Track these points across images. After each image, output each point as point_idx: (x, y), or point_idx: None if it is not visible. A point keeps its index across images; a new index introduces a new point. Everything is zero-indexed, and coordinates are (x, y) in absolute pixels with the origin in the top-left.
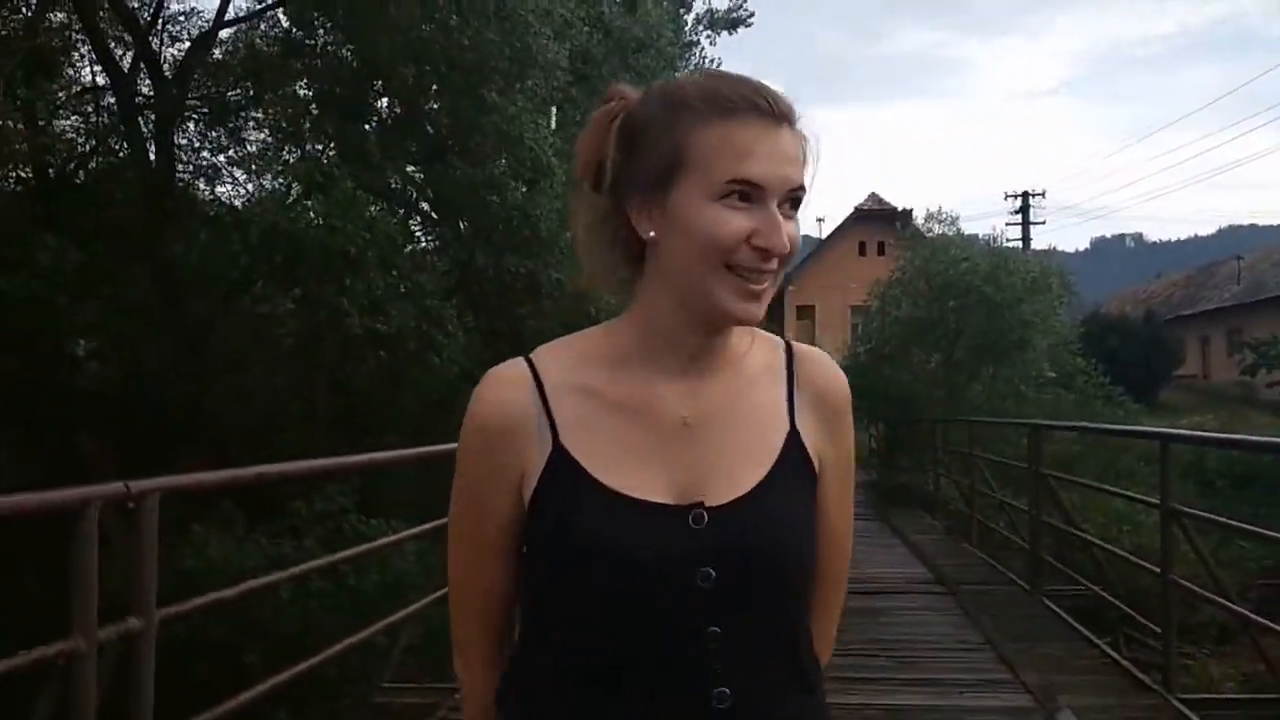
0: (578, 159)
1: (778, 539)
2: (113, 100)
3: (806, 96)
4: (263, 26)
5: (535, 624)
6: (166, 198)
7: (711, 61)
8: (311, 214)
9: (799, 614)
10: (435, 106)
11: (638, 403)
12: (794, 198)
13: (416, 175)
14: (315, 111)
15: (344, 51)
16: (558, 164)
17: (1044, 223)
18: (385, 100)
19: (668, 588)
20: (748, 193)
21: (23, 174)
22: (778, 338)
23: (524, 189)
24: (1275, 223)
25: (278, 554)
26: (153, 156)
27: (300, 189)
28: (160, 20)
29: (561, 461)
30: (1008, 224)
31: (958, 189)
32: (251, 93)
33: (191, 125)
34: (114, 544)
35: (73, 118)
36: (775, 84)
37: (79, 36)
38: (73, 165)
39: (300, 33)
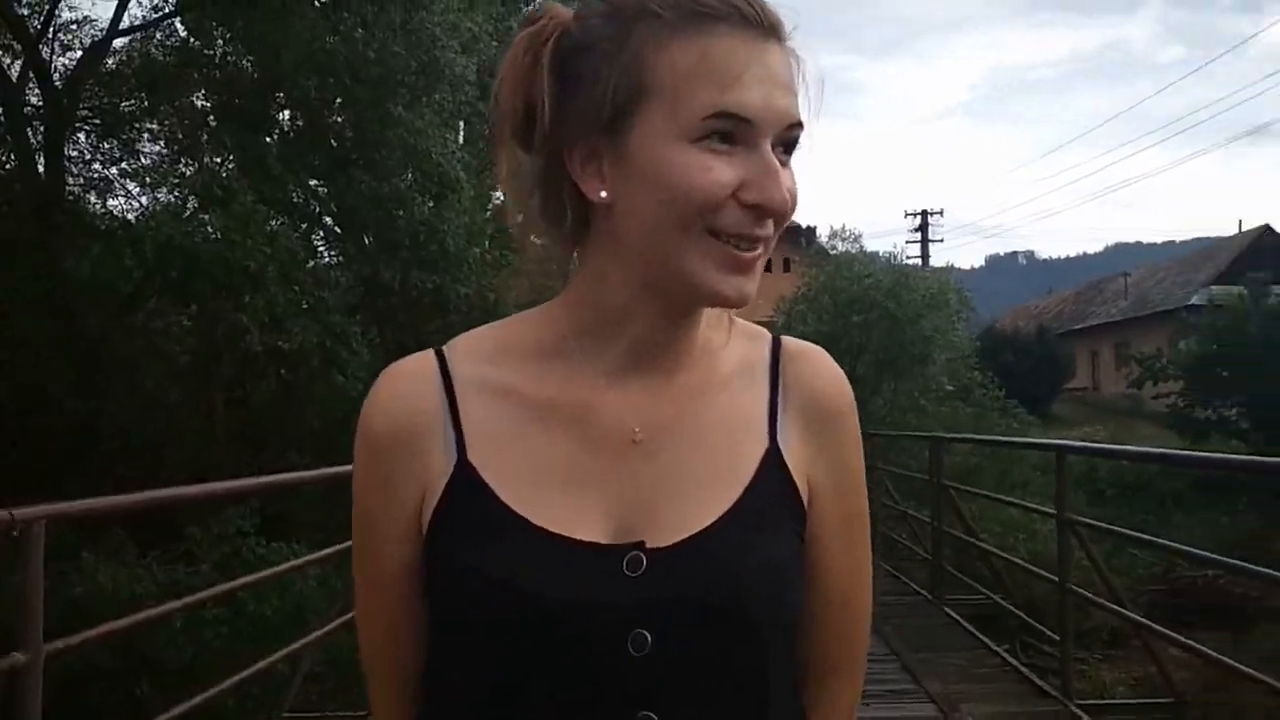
0: (498, 104)
1: (741, 591)
2: None
3: None
4: (159, 36)
5: (437, 680)
6: (56, 211)
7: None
8: (209, 228)
9: (775, 697)
10: (339, 119)
11: (573, 409)
12: (790, 138)
13: (320, 189)
14: (213, 123)
15: (244, 62)
16: (465, 178)
17: (942, 241)
18: (287, 112)
19: (590, 655)
20: (733, 131)
21: None
22: (763, 330)
23: (431, 203)
24: (1160, 240)
25: (171, 580)
26: (41, 168)
27: (197, 202)
28: (51, 28)
29: (465, 482)
30: (907, 241)
31: (860, 207)
32: (146, 103)
33: (83, 136)
34: None
35: None
36: None
37: None
38: None
39: (198, 42)
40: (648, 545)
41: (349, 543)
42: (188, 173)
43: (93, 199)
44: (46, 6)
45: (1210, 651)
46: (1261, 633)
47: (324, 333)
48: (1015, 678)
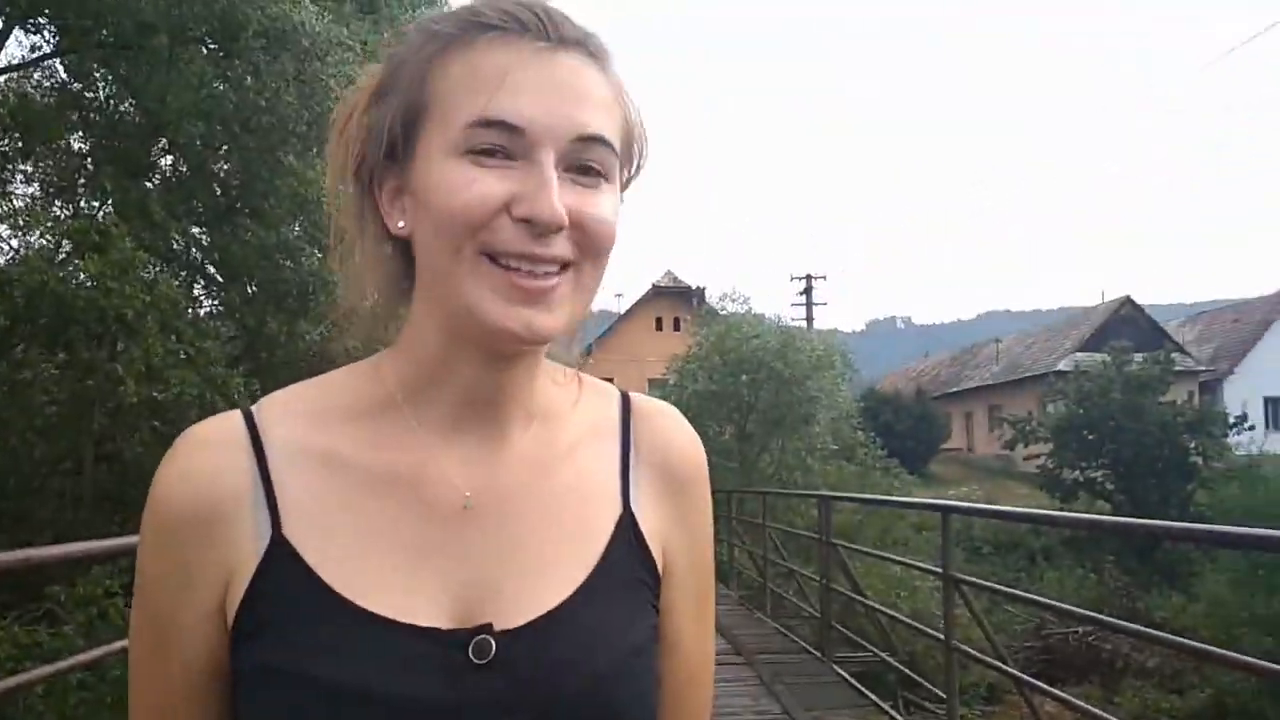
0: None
1: (601, 676)
2: None
3: None
4: (37, 75)
5: None
6: None
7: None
8: (83, 274)
9: None
10: (224, 167)
11: (403, 475)
12: (585, 158)
13: (202, 237)
14: (91, 166)
15: (125, 105)
16: None
17: (826, 304)
18: (169, 158)
19: None
20: (503, 144)
21: None
22: (611, 387)
23: (320, 255)
24: (1028, 309)
25: (34, 642)
26: None
27: (70, 246)
28: None
29: (280, 561)
30: (793, 304)
31: (748, 269)
32: (20, 144)
33: None
34: None
35: None
36: None
37: None
38: None
39: (78, 84)
40: (495, 628)
41: None
42: (62, 216)
43: None
44: None
45: (1092, 708)
46: (1129, 688)
47: (204, 384)
48: None
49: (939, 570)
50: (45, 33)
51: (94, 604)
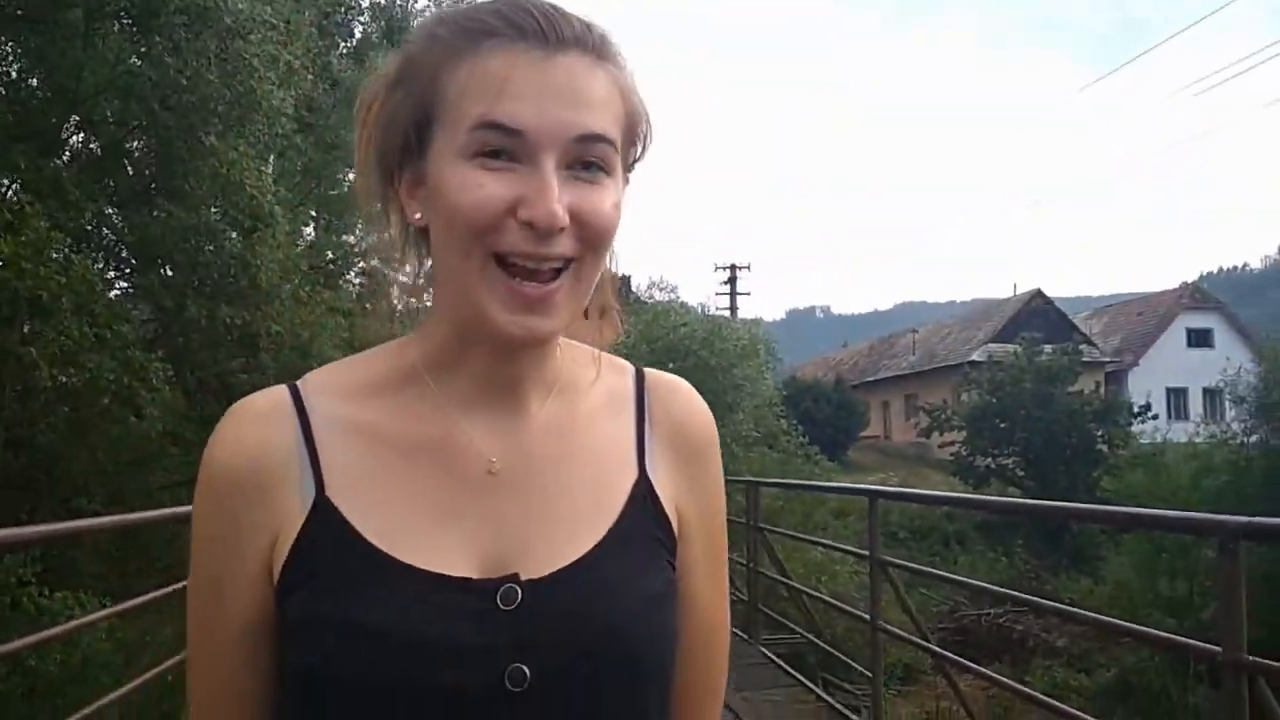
0: (356, 143)
1: (619, 621)
2: None
3: None
4: None
5: None
6: None
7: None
8: None
9: (652, 715)
10: (138, 145)
11: (432, 443)
12: (585, 155)
13: (115, 217)
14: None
15: (32, 81)
16: (281, 212)
17: (749, 294)
18: (80, 135)
19: (466, 694)
20: (506, 146)
21: None
22: (625, 362)
23: (242, 237)
24: (943, 300)
25: None
26: None
27: None
28: None
29: (324, 520)
30: (717, 294)
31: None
32: None
33: None
34: None
35: None
36: None
37: None
38: None
39: None
40: (521, 577)
41: (151, 594)
42: None
43: None
44: None
45: (1015, 684)
46: (1039, 667)
47: (121, 369)
48: (829, 713)
49: (866, 554)
50: None
51: (7, 593)
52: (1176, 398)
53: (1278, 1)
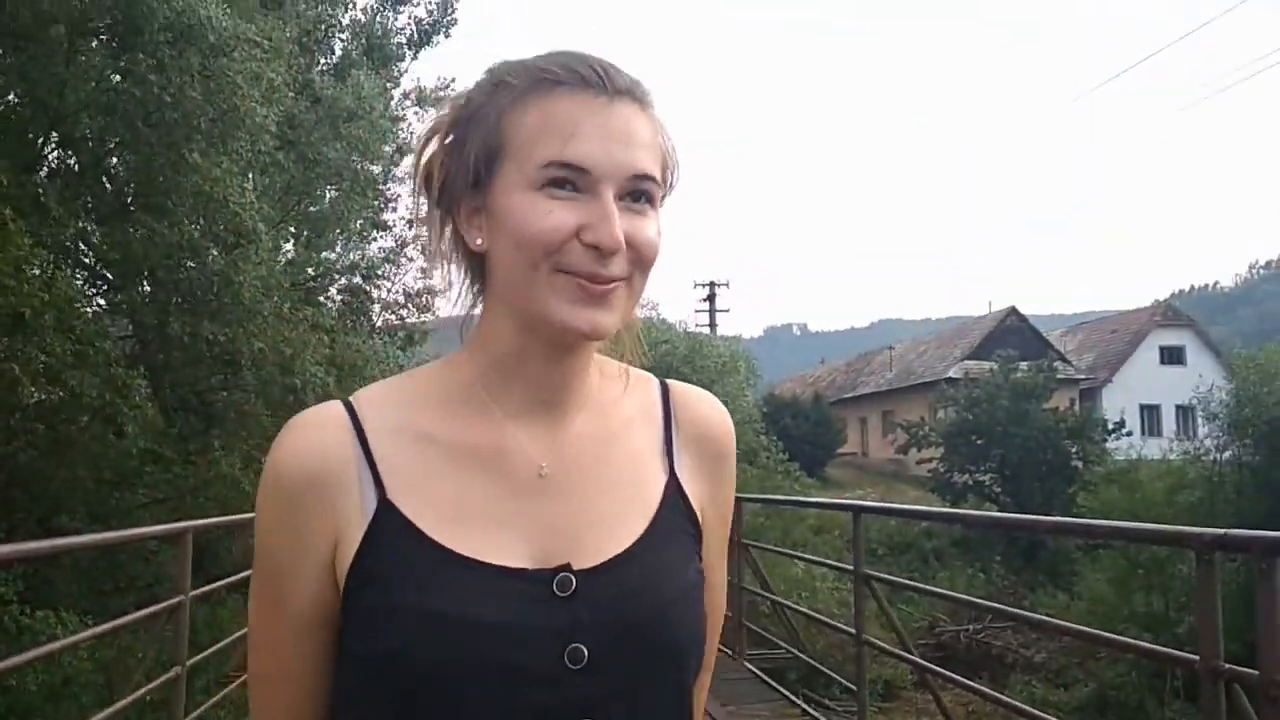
0: (415, 173)
1: (662, 606)
2: None
3: None
4: None
5: None
6: None
7: (419, 138)
8: None
9: (686, 695)
10: (117, 161)
11: (484, 450)
12: (637, 188)
13: (93, 234)
14: None
15: (10, 96)
16: (264, 229)
17: (728, 310)
18: (59, 151)
19: (531, 671)
20: (573, 180)
21: None
22: (652, 376)
23: (226, 254)
24: (919, 317)
25: None
26: None
27: None
28: None
29: (390, 521)
30: (696, 310)
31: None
32: None
33: None
34: None
35: None
36: None
37: None
38: None
39: None
40: (574, 567)
41: (135, 614)
42: None
43: None
44: None
45: (1000, 695)
46: (1018, 682)
47: (103, 385)
48: None
49: (851, 569)
50: None
51: None
52: (1150, 414)
53: (1253, 23)
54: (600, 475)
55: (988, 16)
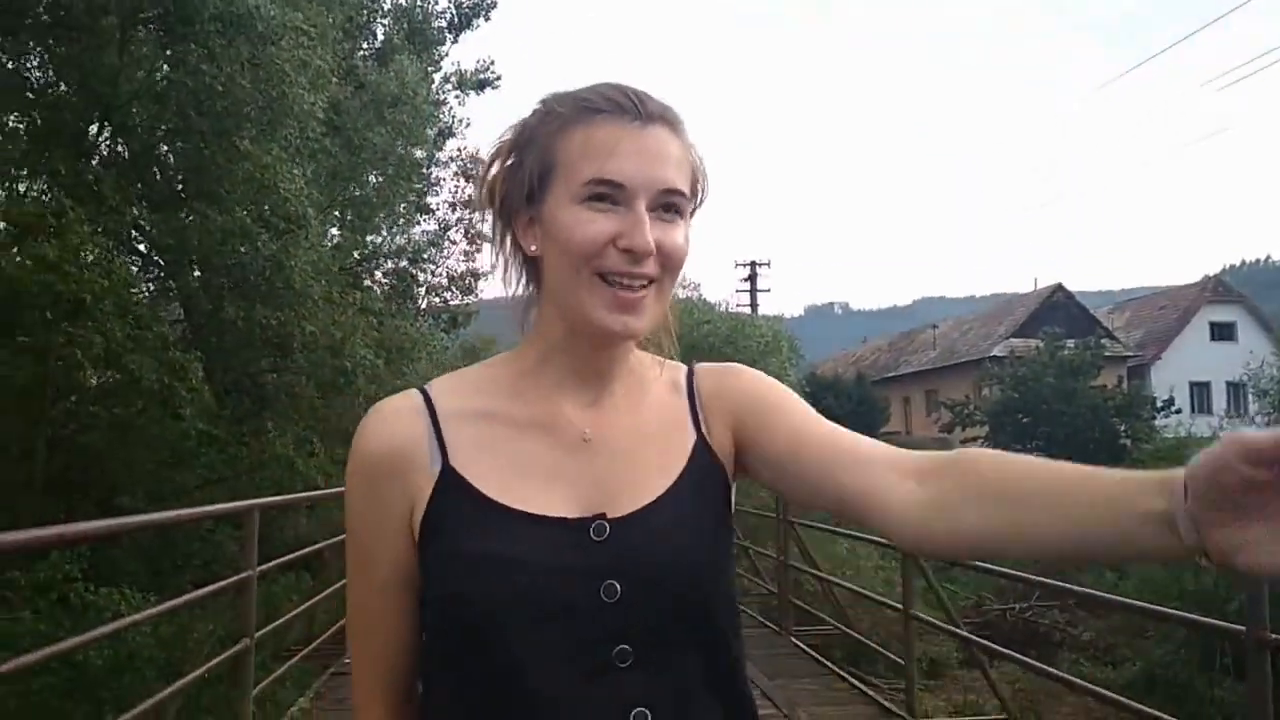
0: (480, 185)
1: (684, 548)
2: None
3: None
4: None
5: (435, 667)
6: None
7: (460, 121)
8: (28, 259)
9: (720, 636)
10: (169, 149)
11: (537, 420)
12: (667, 201)
13: (145, 221)
14: (27, 146)
15: (61, 86)
16: (314, 214)
17: (770, 290)
18: (111, 140)
19: (572, 603)
20: (611, 194)
21: None
22: (681, 364)
23: (277, 240)
24: (962, 295)
25: None
26: None
27: (15, 230)
28: None
29: (451, 483)
30: (737, 290)
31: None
32: None
33: None
34: None
35: None
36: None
37: None
38: None
39: (11, 63)
40: (609, 516)
41: (199, 591)
42: (2, 197)
43: None
44: None
45: (1052, 670)
46: (1065, 660)
47: (161, 369)
48: (863, 700)
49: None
50: None
51: (53, 589)
52: (1200, 392)
53: None
54: (636, 439)
55: None
